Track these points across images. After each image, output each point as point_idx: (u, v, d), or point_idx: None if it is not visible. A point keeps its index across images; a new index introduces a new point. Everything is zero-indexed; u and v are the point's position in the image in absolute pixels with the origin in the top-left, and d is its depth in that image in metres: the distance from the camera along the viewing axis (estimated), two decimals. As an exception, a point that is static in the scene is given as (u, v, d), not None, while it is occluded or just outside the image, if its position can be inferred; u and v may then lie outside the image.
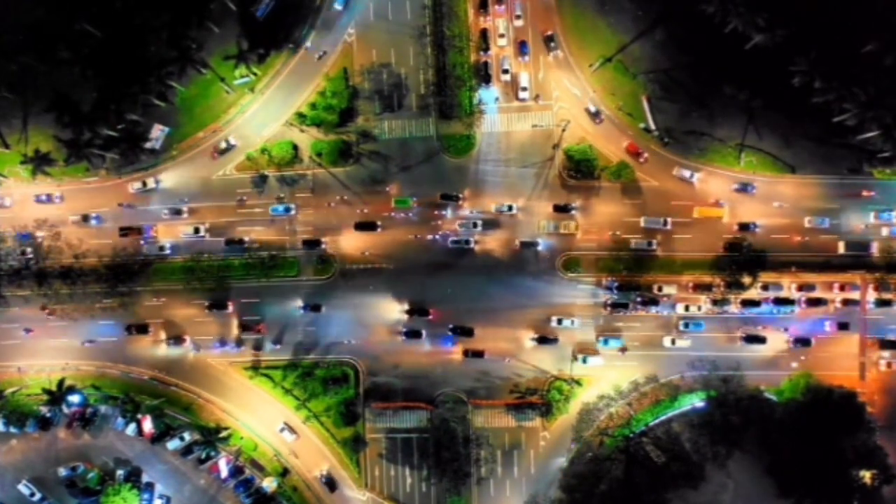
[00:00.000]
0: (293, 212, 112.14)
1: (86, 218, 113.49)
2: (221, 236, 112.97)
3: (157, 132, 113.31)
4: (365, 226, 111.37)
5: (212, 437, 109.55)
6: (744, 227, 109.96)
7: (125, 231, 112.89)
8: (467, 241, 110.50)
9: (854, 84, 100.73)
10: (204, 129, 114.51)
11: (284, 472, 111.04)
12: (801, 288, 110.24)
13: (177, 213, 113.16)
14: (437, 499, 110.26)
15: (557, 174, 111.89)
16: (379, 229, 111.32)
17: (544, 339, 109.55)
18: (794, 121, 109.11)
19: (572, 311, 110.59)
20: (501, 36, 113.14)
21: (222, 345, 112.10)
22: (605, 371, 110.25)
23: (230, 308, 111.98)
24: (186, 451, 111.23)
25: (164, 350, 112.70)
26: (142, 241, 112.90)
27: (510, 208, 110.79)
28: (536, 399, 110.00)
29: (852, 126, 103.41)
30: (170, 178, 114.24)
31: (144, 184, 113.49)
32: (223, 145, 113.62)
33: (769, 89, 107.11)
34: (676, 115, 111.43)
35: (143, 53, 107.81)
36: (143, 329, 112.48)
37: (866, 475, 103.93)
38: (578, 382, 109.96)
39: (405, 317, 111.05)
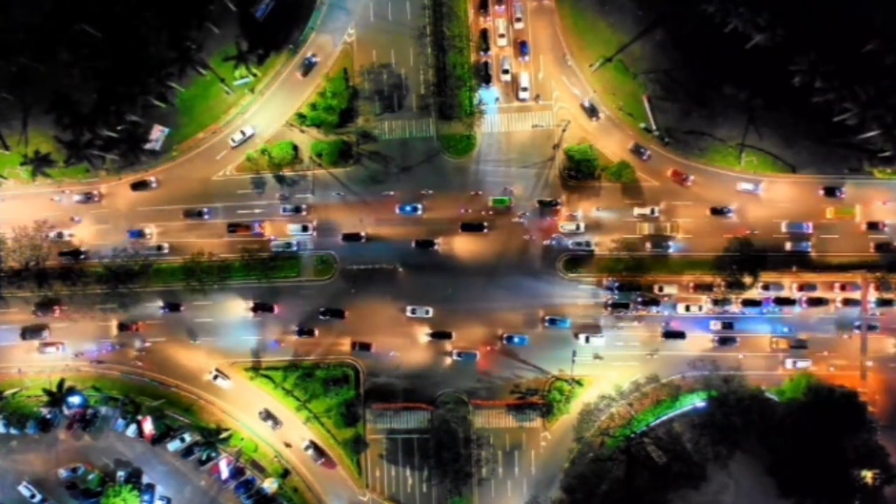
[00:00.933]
0: (420, 212, 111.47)
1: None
2: (329, 235, 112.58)
3: (157, 133, 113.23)
4: (471, 227, 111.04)
5: (212, 438, 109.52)
6: (872, 226, 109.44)
7: (233, 227, 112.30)
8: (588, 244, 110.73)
9: (854, 83, 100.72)
10: (204, 129, 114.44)
11: (285, 474, 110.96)
12: (801, 287, 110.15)
13: (296, 210, 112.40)
14: (438, 499, 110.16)
15: (558, 174, 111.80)
16: (485, 230, 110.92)
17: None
18: (795, 120, 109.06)
19: (572, 312, 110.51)
20: (501, 36, 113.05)
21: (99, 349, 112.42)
22: (606, 371, 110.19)
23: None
24: (187, 452, 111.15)
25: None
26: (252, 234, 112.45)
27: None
28: (537, 399, 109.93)
29: (853, 125, 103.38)
30: (169, 178, 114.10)
31: (242, 133, 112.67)
32: (239, 136, 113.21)
33: (769, 89, 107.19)
34: (677, 115, 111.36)
35: (142, 54, 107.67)
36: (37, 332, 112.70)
37: (867, 475, 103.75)
38: (579, 382, 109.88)
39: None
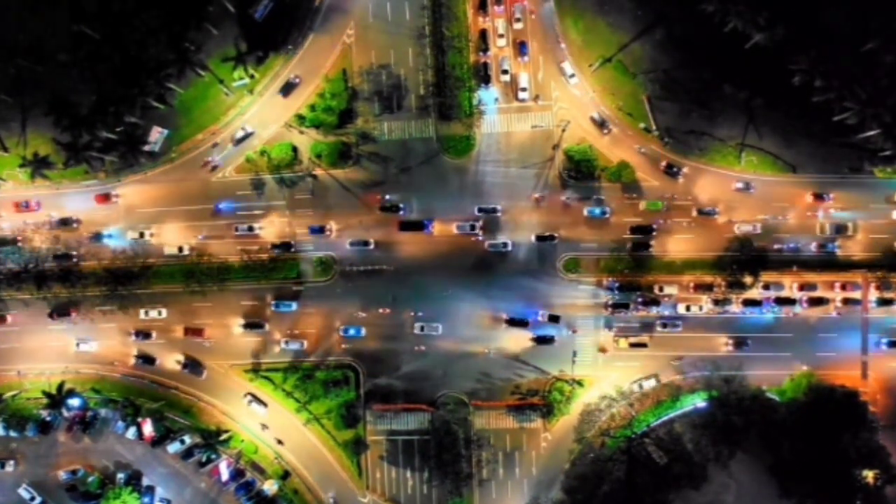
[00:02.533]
0: (608, 214, 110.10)
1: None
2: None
3: (156, 134, 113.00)
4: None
5: (212, 440, 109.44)
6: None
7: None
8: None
9: (854, 83, 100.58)
10: (203, 131, 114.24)
11: (285, 475, 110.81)
12: (802, 287, 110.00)
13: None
14: (438, 501, 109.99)
15: (557, 174, 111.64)
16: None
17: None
18: (795, 120, 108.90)
19: (572, 312, 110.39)
20: (501, 36, 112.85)
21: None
22: (607, 371, 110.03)
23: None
24: (187, 454, 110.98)
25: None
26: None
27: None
28: (537, 400, 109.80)
29: (853, 125, 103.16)
30: (168, 179, 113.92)
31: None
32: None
33: (769, 88, 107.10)
34: (677, 115, 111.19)
35: (141, 56, 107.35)
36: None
37: (869, 475, 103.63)
38: (580, 383, 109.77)
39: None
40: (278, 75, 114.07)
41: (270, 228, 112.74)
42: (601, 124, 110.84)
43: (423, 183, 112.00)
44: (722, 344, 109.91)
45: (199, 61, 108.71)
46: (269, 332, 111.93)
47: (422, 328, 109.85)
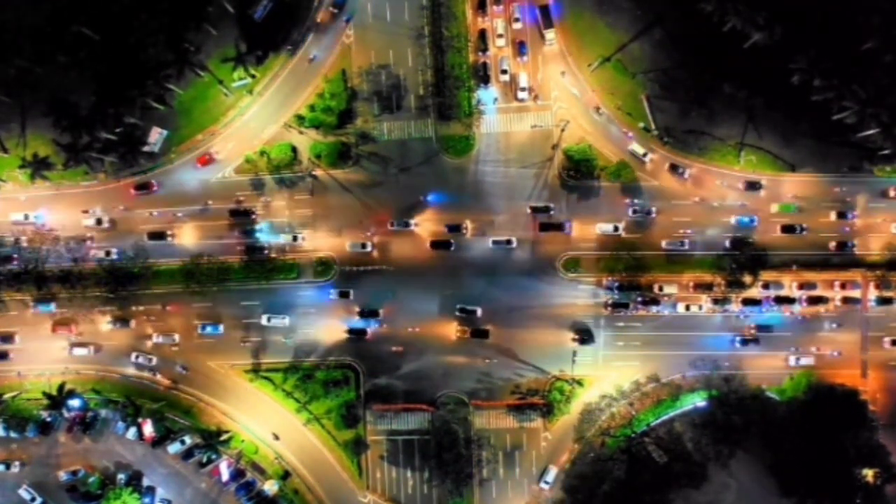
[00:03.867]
0: (756, 223, 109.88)
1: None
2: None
3: (156, 135, 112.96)
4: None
5: (212, 440, 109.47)
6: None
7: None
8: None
9: (854, 82, 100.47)
10: (202, 131, 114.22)
11: (286, 475, 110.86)
12: (801, 286, 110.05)
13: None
14: (439, 500, 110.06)
15: (557, 174, 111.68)
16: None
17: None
18: (794, 119, 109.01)
19: (572, 312, 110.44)
20: (500, 36, 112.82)
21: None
22: (607, 371, 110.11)
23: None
24: (187, 454, 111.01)
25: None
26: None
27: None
28: (538, 400, 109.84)
29: (852, 124, 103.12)
30: (167, 181, 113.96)
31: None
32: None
33: (768, 88, 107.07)
34: (676, 115, 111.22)
35: (141, 57, 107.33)
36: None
37: (869, 474, 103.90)
38: (580, 383, 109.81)
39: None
40: (278, 75, 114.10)
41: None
42: (643, 156, 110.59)
43: (423, 184, 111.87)
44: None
45: (198, 62, 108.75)
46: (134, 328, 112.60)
47: (268, 319, 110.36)
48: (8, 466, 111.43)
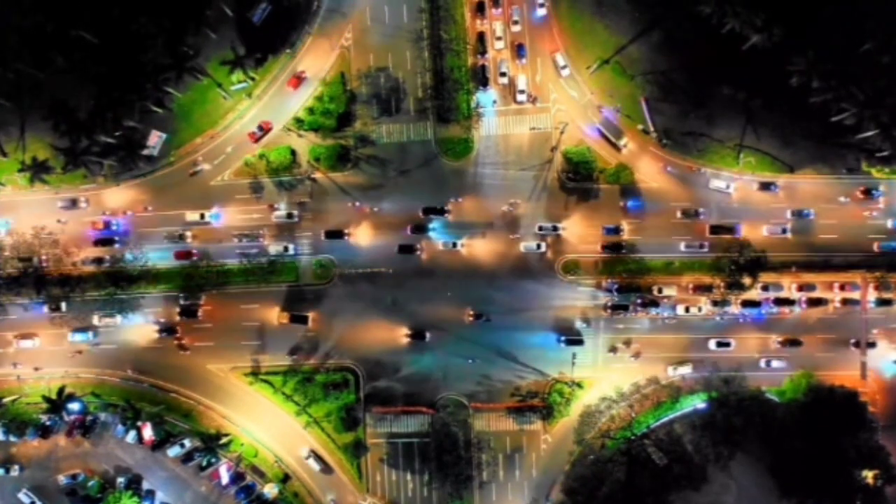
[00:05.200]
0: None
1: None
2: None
3: (155, 139, 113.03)
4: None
5: (212, 443, 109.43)
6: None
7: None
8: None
9: (852, 83, 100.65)
10: (201, 134, 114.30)
11: (285, 479, 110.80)
12: (801, 288, 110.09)
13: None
14: (438, 503, 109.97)
15: (556, 177, 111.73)
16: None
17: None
18: (793, 120, 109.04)
19: (572, 314, 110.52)
20: (498, 39, 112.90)
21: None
22: (607, 373, 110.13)
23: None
24: (187, 457, 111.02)
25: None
26: None
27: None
28: (537, 402, 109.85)
29: (851, 125, 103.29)
30: (167, 183, 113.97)
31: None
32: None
33: (767, 89, 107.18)
34: (675, 116, 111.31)
35: (139, 60, 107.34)
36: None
37: (868, 475, 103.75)
38: (579, 385, 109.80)
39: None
40: (276, 78, 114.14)
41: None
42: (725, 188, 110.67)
43: (422, 185, 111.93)
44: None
45: (197, 65, 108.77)
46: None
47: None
48: (7, 470, 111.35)
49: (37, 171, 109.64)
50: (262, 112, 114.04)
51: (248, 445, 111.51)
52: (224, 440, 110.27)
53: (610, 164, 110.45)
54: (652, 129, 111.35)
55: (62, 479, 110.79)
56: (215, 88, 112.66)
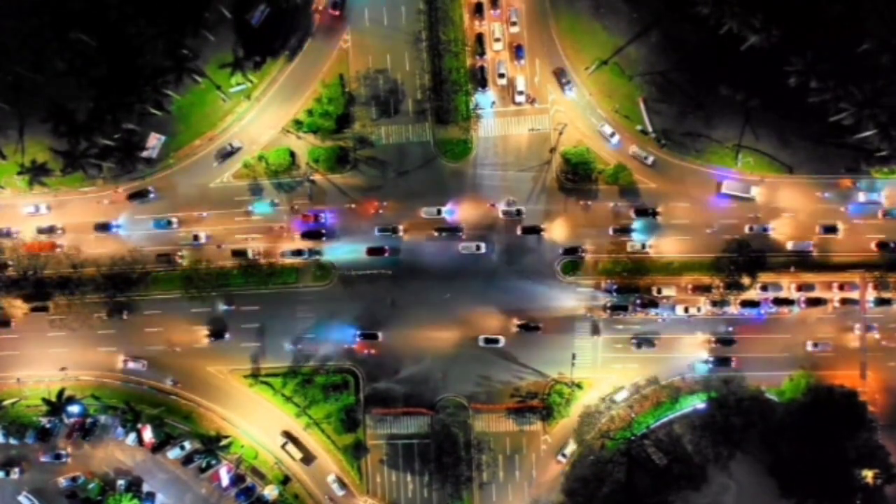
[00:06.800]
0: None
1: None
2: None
3: (154, 141, 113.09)
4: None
5: (212, 445, 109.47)
6: None
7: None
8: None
9: (850, 83, 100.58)
10: (200, 137, 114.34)
11: (285, 480, 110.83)
12: (800, 288, 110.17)
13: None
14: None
15: (555, 177, 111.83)
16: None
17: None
18: (791, 121, 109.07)
19: (571, 315, 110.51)
20: (497, 40, 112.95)
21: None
22: (606, 373, 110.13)
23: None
24: (187, 460, 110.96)
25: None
26: None
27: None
28: (537, 403, 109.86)
29: (849, 125, 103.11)
30: (167, 186, 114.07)
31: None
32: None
33: (765, 90, 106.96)
34: (673, 117, 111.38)
35: (138, 62, 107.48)
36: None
37: (868, 475, 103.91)
38: (579, 385, 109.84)
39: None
40: (276, 80, 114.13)
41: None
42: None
43: (421, 187, 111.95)
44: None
45: (196, 67, 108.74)
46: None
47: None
48: (7, 473, 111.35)
49: (36, 173, 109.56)
50: (260, 114, 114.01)
51: (248, 447, 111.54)
52: (224, 442, 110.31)
53: (608, 165, 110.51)
54: (650, 129, 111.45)
55: (62, 481, 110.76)
56: (214, 91, 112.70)
